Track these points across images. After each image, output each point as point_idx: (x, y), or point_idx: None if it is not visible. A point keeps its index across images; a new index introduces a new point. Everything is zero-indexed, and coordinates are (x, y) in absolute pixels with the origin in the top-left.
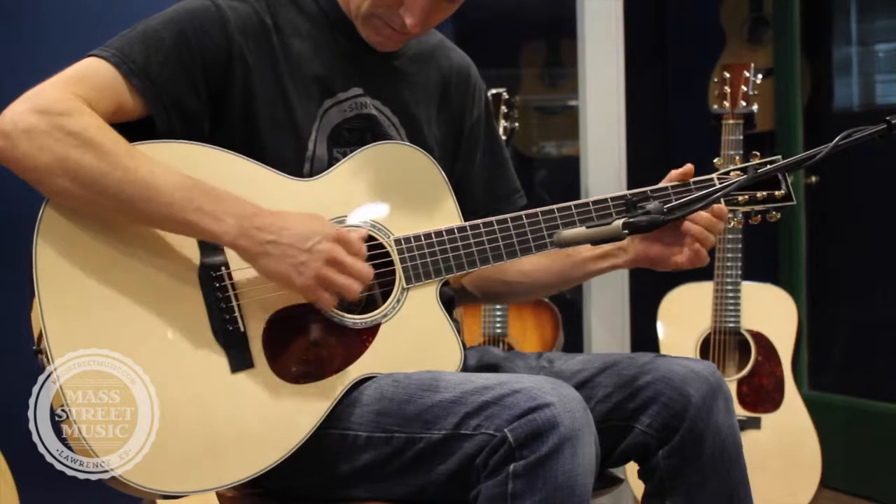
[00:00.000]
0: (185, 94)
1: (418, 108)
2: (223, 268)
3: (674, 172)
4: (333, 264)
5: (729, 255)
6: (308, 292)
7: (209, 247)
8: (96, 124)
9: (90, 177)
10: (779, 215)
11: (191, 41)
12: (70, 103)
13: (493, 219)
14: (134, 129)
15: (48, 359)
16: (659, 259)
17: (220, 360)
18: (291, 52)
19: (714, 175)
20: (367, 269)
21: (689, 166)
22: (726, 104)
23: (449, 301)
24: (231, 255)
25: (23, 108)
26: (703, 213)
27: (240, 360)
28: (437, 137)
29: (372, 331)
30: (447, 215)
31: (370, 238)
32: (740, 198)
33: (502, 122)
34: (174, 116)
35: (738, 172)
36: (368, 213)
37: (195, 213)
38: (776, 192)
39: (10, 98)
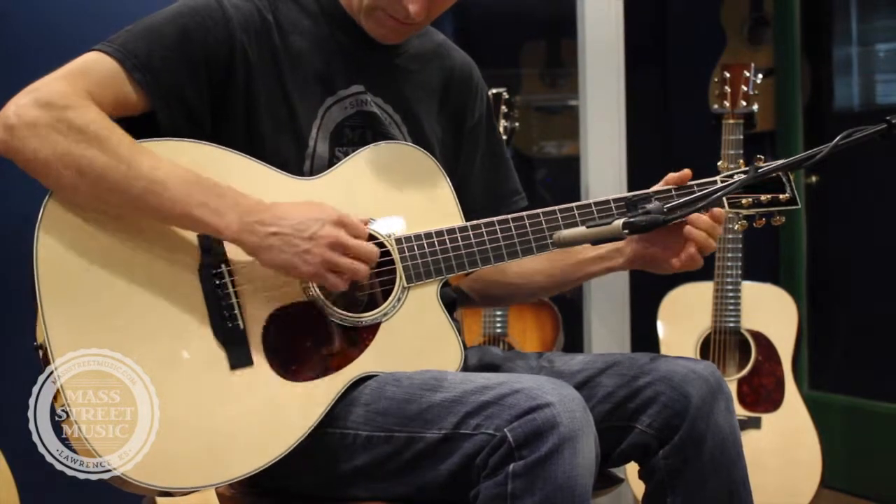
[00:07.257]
0: (188, 90)
1: (420, 106)
2: (223, 266)
3: (671, 176)
4: (337, 247)
5: (729, 255)
6: (316, 279)
7: (209, 245)
8: (100, 119)
9: (95, 171)
10: (783, 219)
11: (193, 38)
12: (74, 98)
13: (494, 219)
14: (138, 127)
15: (49, 358)
16: (654, 260)
17: (219, 358)
18: (292, 49)
19: (717, 177)
20: (372, 250)
21: (686, 171)
22: (726, 104)
23: (451, 302)
24: (231, 253)
25: (26, 101)
26: (704, 218)
27: (239, 357)
28: (439, 136)
29: (372, 329)
30: (448, 215)
31: (371, 238)
32: (744, 201)
33: (502, 122)
34: (177, 112)
35: (741, 175)
36: (370, 213)
37: (199, 209)
38: (780, 196)
39: (11, 94)
